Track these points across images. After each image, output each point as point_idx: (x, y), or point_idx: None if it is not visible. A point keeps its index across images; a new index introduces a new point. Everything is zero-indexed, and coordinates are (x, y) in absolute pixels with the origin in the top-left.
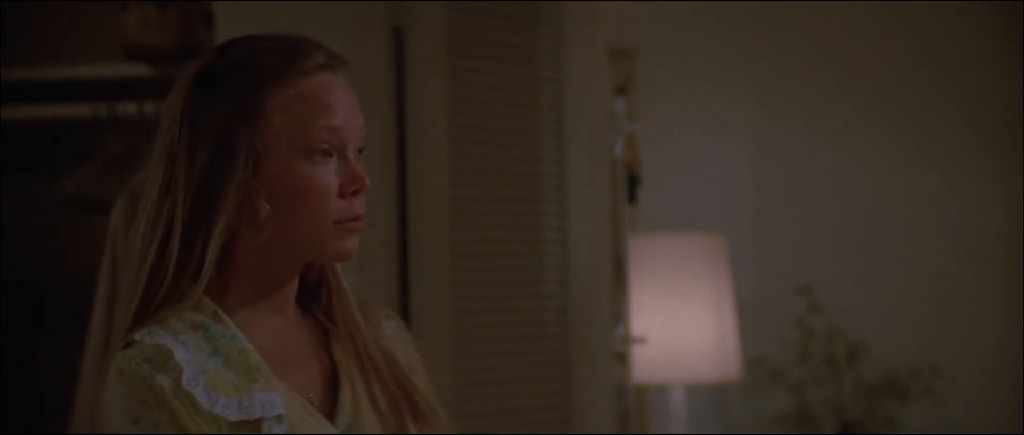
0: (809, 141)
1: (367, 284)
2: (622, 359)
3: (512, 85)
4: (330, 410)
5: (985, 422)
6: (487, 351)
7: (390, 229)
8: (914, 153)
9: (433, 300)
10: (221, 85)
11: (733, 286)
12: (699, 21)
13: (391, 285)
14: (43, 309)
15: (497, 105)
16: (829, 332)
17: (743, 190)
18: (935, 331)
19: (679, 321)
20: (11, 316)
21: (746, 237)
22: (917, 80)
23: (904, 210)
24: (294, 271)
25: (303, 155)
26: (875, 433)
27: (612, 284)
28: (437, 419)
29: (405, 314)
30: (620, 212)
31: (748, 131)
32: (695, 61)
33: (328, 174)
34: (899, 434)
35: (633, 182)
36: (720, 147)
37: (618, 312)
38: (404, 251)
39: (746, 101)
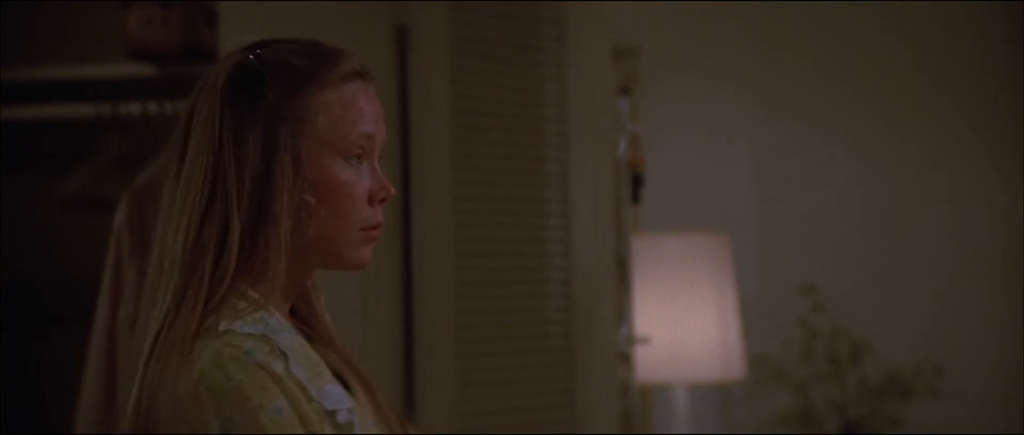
0: (812, 141)
1: (371, 284)
2: (625, 359)
3: (515, 85)
4: None
5: (988, 421)
6: (490, 351)
7: (393, 229)
8: (917, 152)
9: (437, 300)
10: (262, 83)
11: (736, 286)
12: (703, 20)
13: (395, 285)
14: (46, 308)
15: (500, 105)
16: (832, 331)
17: (746, 189)
18: (938, 330)
19: (682, 321)
20: (13, 315)
21: (749, 236)
22: (920, 80)
23: (907, 210)
24: (306, 277)
25: (341, 158)
26: (879, 432)
27: (615, 284)
28: (402, 422)
29: (409, 313)
30: (623, 212)
31: (751, 130)
32: (699, 61)
33: (362, 179)
34: (903, 433)
35: (636, 182)
36: (724, 146)
37: (621, 312)
38: (408, 251)
39: (750, 100)
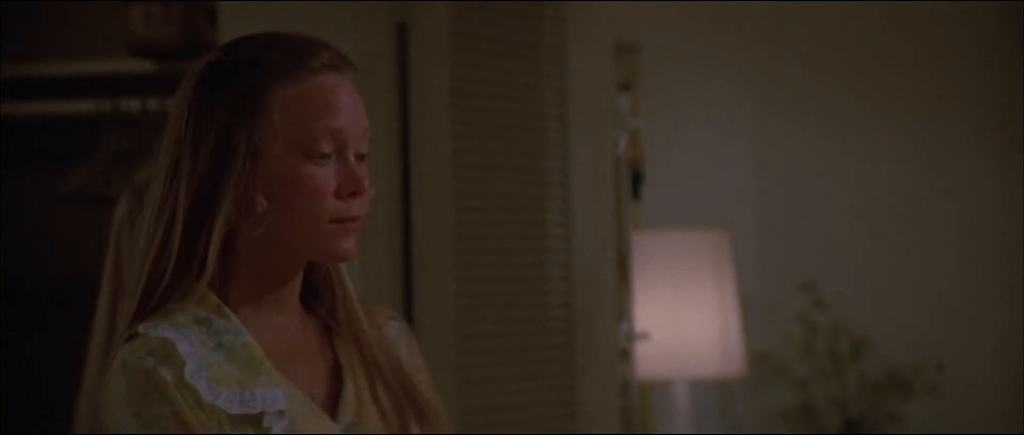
0: (813, 137)
1: (371, 280)
2: (626, 355)
3: (516, 81)
4: (333, 407)
5: (989, 418)
6: (491, 347)
7: (393, 225)
8: (917, 149)
9: (437, 296)
10: (225, 81)
11: (736, 282)
12: (703, 17)
13: (395, 281)
14: (46, 305)
15: (501, 101)
16: (833, 328)
17: (747, 186)
18: (939, 327)
19: (683, 317)
20: (13, 312)
21: (750, 233)
22: (920, 77)
23: (908, 206)
24: (295, 270)
25: (302, 154)
26: (879, 429)
27: (616, 280)
28: (439, 421)
29: (409, 310)
30: (624, 208)
31: (752, 127)
32: (699, 57)
33: (326, 174)
34: (903, 430)
35: (637, 178)
36: (724, 143)
37: (622, 308)
38: (408, 247)
39: (750, 97)
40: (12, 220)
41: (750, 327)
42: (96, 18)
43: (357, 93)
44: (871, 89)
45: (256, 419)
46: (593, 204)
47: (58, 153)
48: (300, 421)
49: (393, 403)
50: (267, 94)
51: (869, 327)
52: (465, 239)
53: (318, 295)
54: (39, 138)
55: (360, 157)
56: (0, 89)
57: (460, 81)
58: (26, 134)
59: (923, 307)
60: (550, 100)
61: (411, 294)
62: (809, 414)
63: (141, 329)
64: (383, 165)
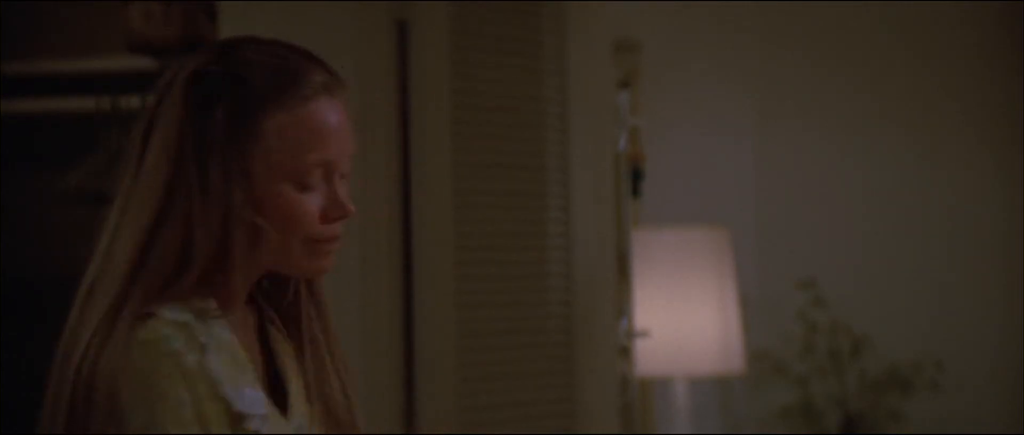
0: (813, 135)
1: (370, 278)
2: (625, 353)
3: (515, 79)
4: (282, 407)
5: (989, 416)
6: (491, 345)
7: (393, 223)
8: (917, 147)
9: (437, 294)
10: (220, 98)
11: (736, 280)
12: (703, 15)
13: (395, 279)
14: (45, 303)
15: (500, 99)
16: (833, 326)
17: (747, 184)
18: (939, 325)
19: (682, 315)
20: (12, 310)
21: (749, 231)
22: (919, 75)
23: (908, 204)
24: (253, 278)
25: (292, 182)
26: (879, 428)
27: (615, 278)
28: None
29: (409, 308)
30: (624, 206)
31: (752, 125)
32: (699, 55)
33: (314, 200)
34: (903, 428)
35: (637, 176)
36: (724, 141)
37: (621, 306)
38: (408, 245)
39: (750, 95)
40: (12, 218)
41: (750, 325)
42: (96, 16)
43: (346, 113)
44: (871, 87)
45: (244, 418)
46: (593, 202)
47: (58, 151)
48: (275, 422)
49: (344, 405)
50: (264, 120)
51: (869, 325)
52: (465, 237)
53: (261, 288)
54: (39, 136)
55: (343, 176)
56: (0, 87)
57: (460, 79)
58: (26, 132)
59: (923, 305)
60: (550, 98)
61: (411, 292)
62: (809, 412)
63: (157, 310)
64: (383, 164)
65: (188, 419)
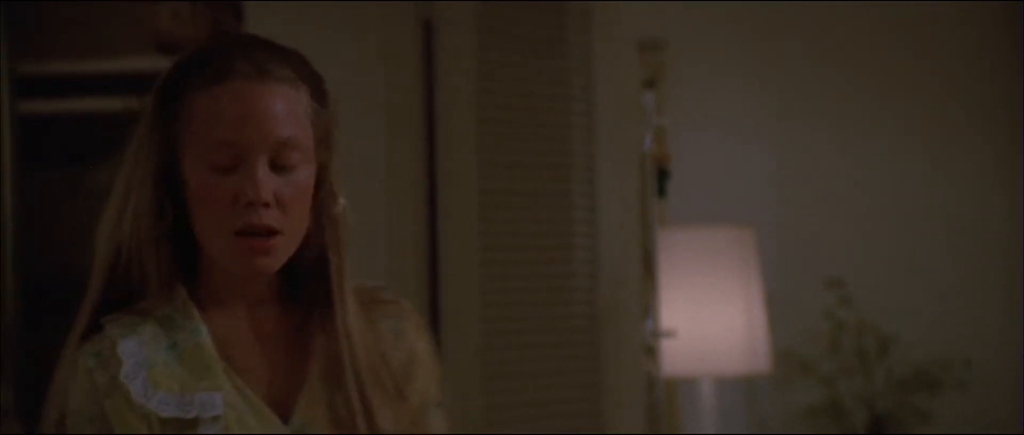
0: (838, 133)
1: (396, 277)
2: (651, 352)
3: (541, 79)
4: (291, 406)
5: (1017, 414)
6: (516, 344)
7: (419, 223)
8: (943, 146)
9: (462, 294)
10: (158, 87)
11: (762, 279)
12: (728, 15)
13: (420, 278)
14: (71, 302)
15: (526, 99)
16: (859, 325)
17: (772, 183)
18: (966, 323)
19: (708, 314)
20: (41, 309)
21: (775, 230)
22: (946, 74)
23: (934, 202)
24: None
25: (204, 163)
26: (906, 427)
27: (641, 277)
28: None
29: (434, 307)
30: (649, 205)
31: (777, 124)
32: (724, 54)
33: (227, 183)
34: (931, 428)
35: (662, 175)
36: (749, 140)
37: (647, 305)
38: (433, 245)
39: (775, 93)
40: (38, 218)
41: (776, 324)
42: (123, 16)
43: (279, 101)
44: (895, 86)
45: (191, 423)
46: (618, 201)
47: (83, 151)
48: (235, 426)
49: (348, 410)
50: (182, 103)
51: (896, 324)
52: (491, 236)
53: (304, 287)
54: (64, 136)
55: (284, 168)
56: (27, 86)
57: (486, 79)
58: (51, 132)
59: (950, 303)
60: (575, 97)
61: (436, 291)
62: (836, 412)
63: (103, 321)
64: (409, 163)
65: (78, 426)
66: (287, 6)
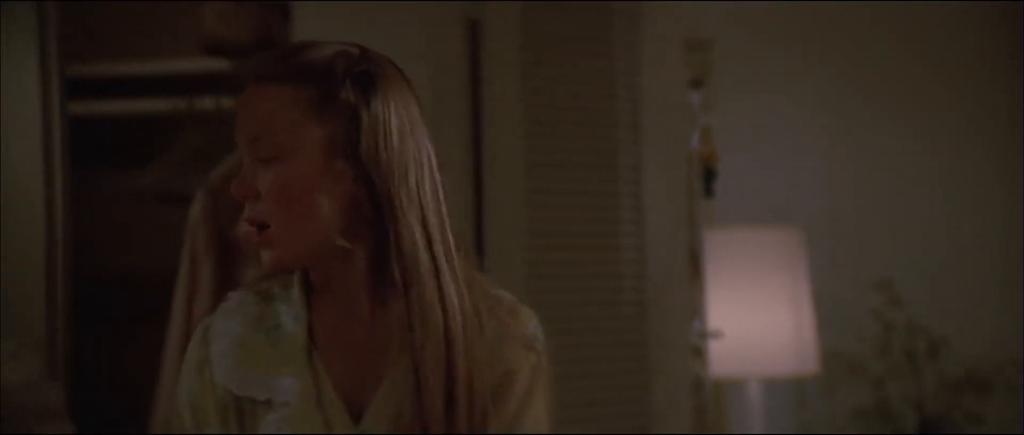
0: (886, 134)
1: None
2: (698, 353)
3: (587, 78)
4: (366, 405)
5: None
6: (564, 344)
7: (466, 223)
8: (995, 147)
9: (509, 293)
10: None
11: (810, 280)
12: (775, 13)
13: None
14: (123, 302)
15: (572, 99)
16: (908, 326)
17: (819, 183)
18: (1018, 325)
19: (756, 315)
20: (91, 309)
21: (823, 230)
22: (1000, 76)
23: (984, 203)
24: (320, 265)
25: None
26: (957, 429)
27: (688, 278)
28: None
29: None
30: (696, 205)
31: (825, 123)
32: (771, 53)
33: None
34: (982, 430)
35: (709, 175)
36: (796, 139)
37: (694, 306)
38: (480, 245)
39: (822, 93)
40: (89, 218)
41: (823, 325)
42: (170, 18)
43: (259, 100)
44: (945, 87)
45: (264, 405)
46: (665, 201)
47: (134, 151)
48: (298, 419)
49: (418, 417)
50: None
51: (946, 325)
52: (537, 236)
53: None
54: (115, 137)
55: (265, 162)
56: (77, 88)
57: (532, 79)
58: (102, 132)
59: (1001, 305)
60: (622, 97)
61: None
62: (885, 413)
63: (228, 295)
64: (456, 163)
65: (181, 403)
66: (334, 6)
